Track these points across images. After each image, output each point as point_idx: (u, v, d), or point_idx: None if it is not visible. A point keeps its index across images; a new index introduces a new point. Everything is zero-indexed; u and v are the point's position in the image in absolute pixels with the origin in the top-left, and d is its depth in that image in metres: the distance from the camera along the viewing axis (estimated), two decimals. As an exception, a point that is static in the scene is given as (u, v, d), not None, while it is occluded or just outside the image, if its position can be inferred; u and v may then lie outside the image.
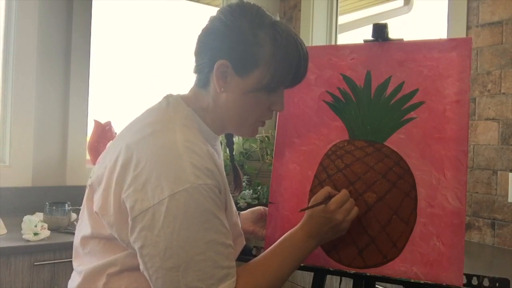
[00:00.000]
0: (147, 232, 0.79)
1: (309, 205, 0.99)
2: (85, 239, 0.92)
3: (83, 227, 0.93)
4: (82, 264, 0.92)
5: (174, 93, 0.98)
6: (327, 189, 1.00)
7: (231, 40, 0.88)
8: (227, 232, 0.85)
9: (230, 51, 0.88)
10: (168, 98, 0.95)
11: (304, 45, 0.92)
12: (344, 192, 0.99)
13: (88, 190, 0.93)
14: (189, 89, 0.97)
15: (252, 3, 0.93)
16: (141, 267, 0.82)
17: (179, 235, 0.79)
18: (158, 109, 0.94)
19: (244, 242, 1.01)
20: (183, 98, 0.95)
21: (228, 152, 1.14)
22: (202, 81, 0.94)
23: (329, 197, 0.98)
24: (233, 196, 1.00)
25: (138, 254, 0.82)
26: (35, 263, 1.67)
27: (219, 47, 0.89)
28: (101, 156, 0.96)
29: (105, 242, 0.88)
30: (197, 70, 0.94)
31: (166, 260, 0.79)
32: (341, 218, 0.96)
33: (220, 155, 1.03)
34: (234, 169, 1.11)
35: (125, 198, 0.82)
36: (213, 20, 0.92)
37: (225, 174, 0.92)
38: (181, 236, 0.79)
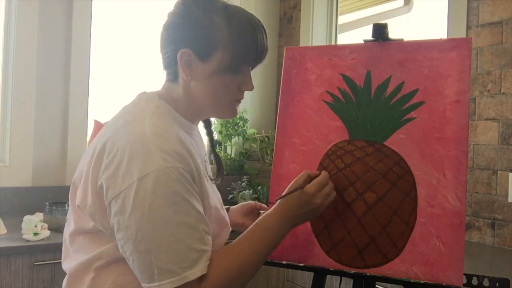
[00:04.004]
0: (120, 217, 0.81)
1: (286, 191, 0.98)
2: (72, 236, 0.94)
3: (69, 225, 0.96)
4: (70, 262, 0.94)
5: None
6: (306, 173, 1.01)
7: (188, 29, 0.92)
8: (198, 216, 0.85)
9: (189, 39, 0.92)
10: (141, 94, 0.99)
11: (260, 22, 0.94)
12: (324, 174, 1.00)
13: (71, 188, 0.95)
14: (162, 86, 1.00)
15: None
16: (120, 251, 0.84)
17: (149, 218, 0.80)
18: (130, 104, 0.98)
19: (230, 228, 1.02)
20: (156, 93, 0.98)
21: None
22: (172, 75, 0.97)
23: (309, 180, 0.98)
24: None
25: (116, 239, 0.84)
26: (35, 263, 1.67)
27: (179, 38, 0.93)
28: (83, 156, 0.99)
29: (91, 236, 0.90)
30: (165, 65, 0.97)
31: (138, 243, 0.80)
32: (320, 202, 0.97)
33: (199, 143, 1.04)
34: (216, 156, 1.13)
35: (100, 186, 0.84)
36: (170, 15, 0.96)
37: (202, 160, 0.94)
38: (151, 218, 0.80)
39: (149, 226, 0.80)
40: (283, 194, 0.98)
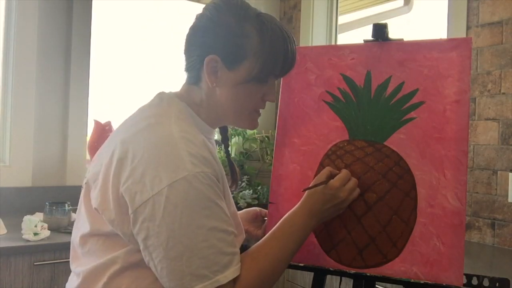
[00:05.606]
0: (149, 223, 0.80)
1: (312, 184, 0.99)
2: (84, 238, 0.91)
3: (81, 226, 0.93)
4: (81, 265, 0.91)
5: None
6: (328, 169, 1.01)
7: (218, 35, 0.90)
8: (228, 219, 0.85)
9: (218, 45, 0.90)
10: (161, 94, 0.96)
11: (290, 33, 0.95)
12: (346, 171, 1.01)
13: (85, 188, 0.93)
14: (181, 87, 0.98)
15: None
16: (146, 259, 0.82)
17: (180, 224, 0.79)
18: (151, 105, 0.95)
19: (244, 234, 1.01)
20: (175, 94, 0.97)
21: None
22: (194, 78, 0.95)
23: (331, 177, 0.99)
24: (232, 196, 1.00)
25: (141, 246, 0.82)
26: (35, 263, 1.67)
27: (207, 43, 0.91)
28: (95, 155, 0.96)
29: (105, 239, 0.87)
30: (188, 68, 0.95)
31: (170, 249, 0.79)
32: (345, 196, 0.98)
33: (215, 148, 1.03)
34: (230, 164, 1.12)
35: (124, 191, 0.82)
36: (199, 17, 0.94)
37: (221, 164, 0.92)
38: (183, 225, 0.79)
39: (181, 232, 0.79)
40: (308, 186, 0.99)
